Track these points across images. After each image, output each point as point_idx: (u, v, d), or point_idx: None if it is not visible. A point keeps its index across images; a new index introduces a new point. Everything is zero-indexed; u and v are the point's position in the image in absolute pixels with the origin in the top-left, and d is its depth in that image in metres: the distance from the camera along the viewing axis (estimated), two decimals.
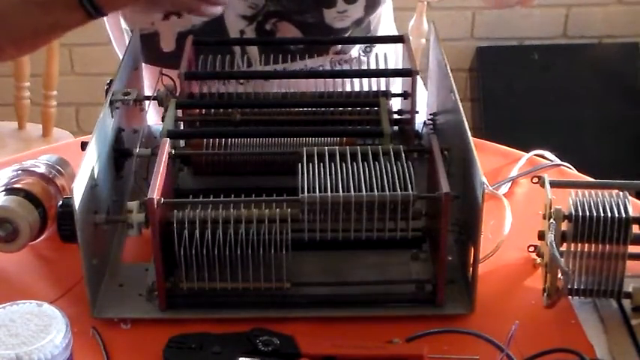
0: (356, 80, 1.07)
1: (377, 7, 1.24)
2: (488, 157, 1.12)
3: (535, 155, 1.15)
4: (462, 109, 0.92)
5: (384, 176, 0.84)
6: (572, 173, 1.12)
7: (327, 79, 1.07)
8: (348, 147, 0.89)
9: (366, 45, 1.27)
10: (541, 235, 0.90)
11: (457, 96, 0.95)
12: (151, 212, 0.81)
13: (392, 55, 1.23)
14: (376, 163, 0.87)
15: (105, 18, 1.19)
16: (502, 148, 1.18)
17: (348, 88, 1.07)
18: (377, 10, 1.24)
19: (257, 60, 1.19)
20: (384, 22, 1.33)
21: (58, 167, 1.01)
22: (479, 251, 0.84)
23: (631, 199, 0.86)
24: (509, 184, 1.09)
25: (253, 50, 1.21)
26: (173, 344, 0.81)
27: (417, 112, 1.06)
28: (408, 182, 0.84)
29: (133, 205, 0.84)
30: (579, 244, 0.84)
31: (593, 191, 0.87)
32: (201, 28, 1.19)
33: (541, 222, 0.90)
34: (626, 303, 0.87)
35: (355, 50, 1.23)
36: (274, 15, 1.19)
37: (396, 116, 1.08)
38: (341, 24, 1.21)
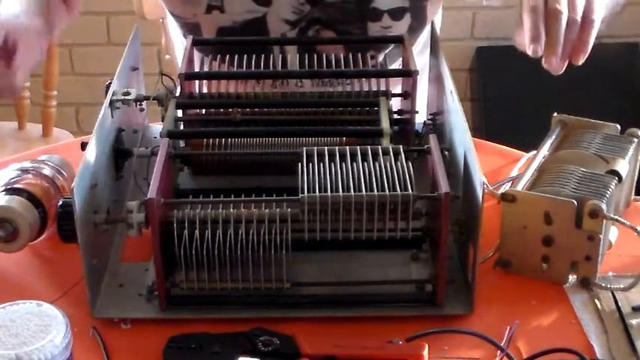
0: (356, 80, 1.07)
1: (421, 28, 1.23)
2: (488, 157, 1.12)
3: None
4: (461, 109, 0.92)
5: (384, 176, 0.84)
6: None
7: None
8: (348, 147, 0.89)
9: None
10: None
11: (457, 96, 0.95)
12: (151, 212, 0.81)
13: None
14: (376, 163, 0.87)
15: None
16: (502, 148, 1.18)
17: (348, 88, 1.07)
18: (421, 31, 1.23)
19: (295, 64, 1.18)
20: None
21: (58, 167, 1.01)
22: (478, 251, 0.84)
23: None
24: (509, 184, 1.09)
25: (292, 53, 1.19)
26: (173, 344, 0.81)
27: (417, 112, 1.06)
28: (408, 182, 0.84)
29: (133, 205, 0.84)
30: None
31: None
32: (242, 26, 1.18)
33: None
34: (624, 304, 0.87)
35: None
36: (318, 22, 1.18)
37: (396, 116, 1.08)
38: None
